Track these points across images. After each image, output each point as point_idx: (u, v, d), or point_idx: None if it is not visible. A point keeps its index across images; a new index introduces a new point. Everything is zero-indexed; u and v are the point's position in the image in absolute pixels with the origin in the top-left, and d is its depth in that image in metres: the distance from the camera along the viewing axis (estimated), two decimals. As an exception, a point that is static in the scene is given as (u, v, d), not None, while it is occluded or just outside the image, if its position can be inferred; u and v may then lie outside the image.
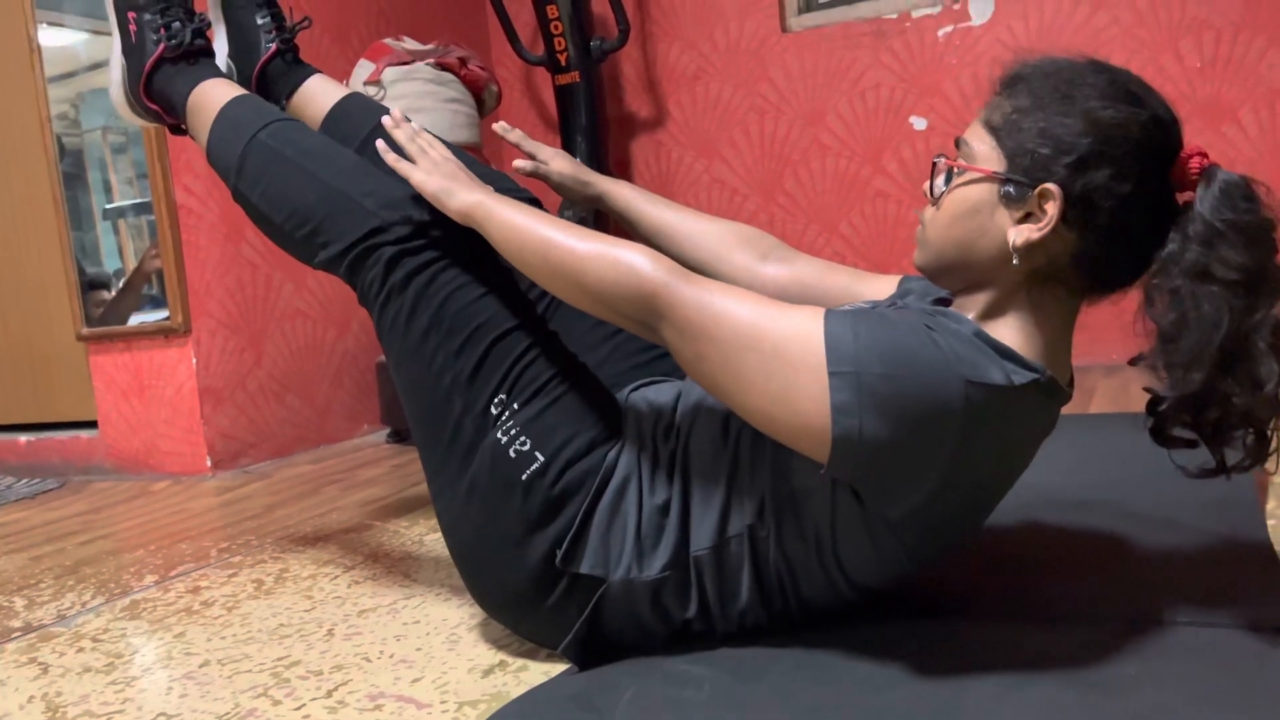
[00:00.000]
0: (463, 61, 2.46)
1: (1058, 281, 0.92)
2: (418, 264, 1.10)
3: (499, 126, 1.34)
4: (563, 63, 3.08)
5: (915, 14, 2.92)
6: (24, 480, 2.66)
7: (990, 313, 0.94)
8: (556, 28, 3.04)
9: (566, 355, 1.09)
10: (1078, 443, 1.74)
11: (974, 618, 1.08)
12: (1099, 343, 2.63)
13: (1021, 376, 0.87)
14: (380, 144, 1.17)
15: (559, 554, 1.01)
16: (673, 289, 0.93)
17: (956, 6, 2.87)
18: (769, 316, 0.91)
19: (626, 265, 0.95)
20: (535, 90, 3.54)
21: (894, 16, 2.95)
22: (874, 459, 0.87)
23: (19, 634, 1.38)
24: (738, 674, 0.97)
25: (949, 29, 2.88)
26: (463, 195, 1.08)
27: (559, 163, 1.33)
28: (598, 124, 3.13)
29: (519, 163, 1.31)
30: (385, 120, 1.20)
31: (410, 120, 1.22)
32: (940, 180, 0.97)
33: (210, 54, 1.45)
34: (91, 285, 2.68)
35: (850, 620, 1.03)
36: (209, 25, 1.47)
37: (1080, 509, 1.39)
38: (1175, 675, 0.89)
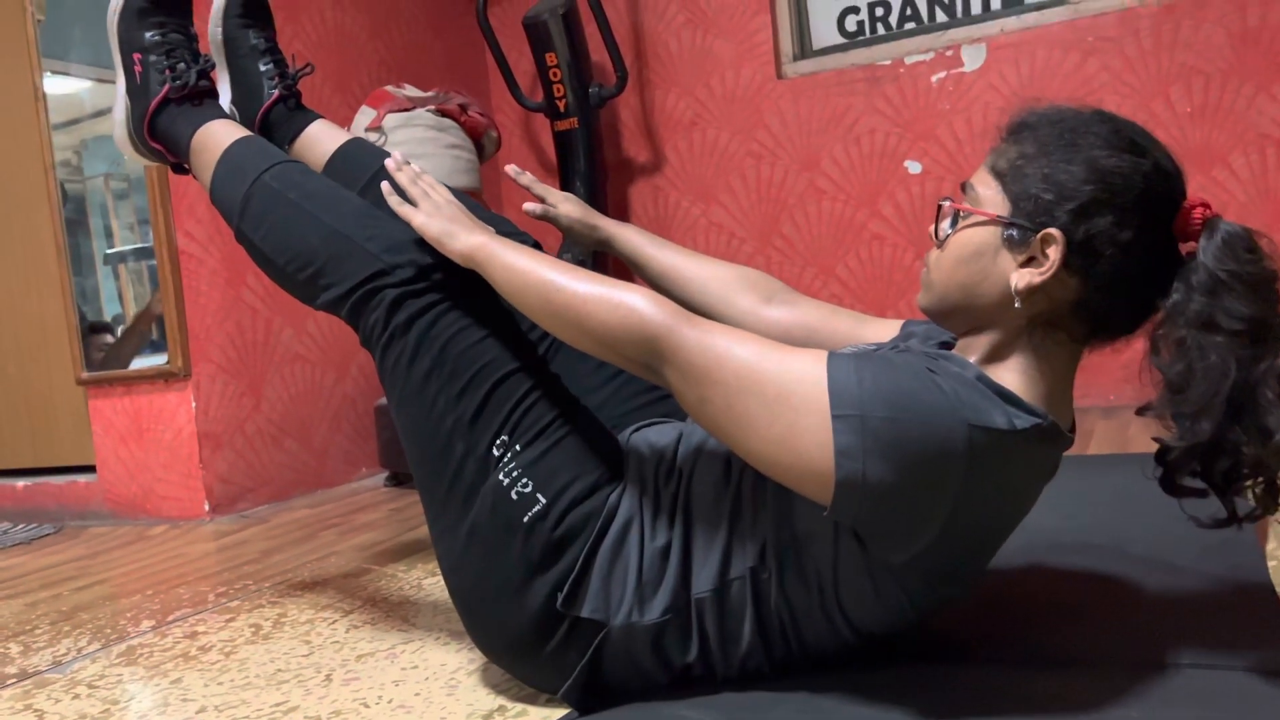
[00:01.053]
0: (463, 108, 2.49)
1: (1059, 327, 0.93)
2: (420, 306, 1.11)
3: (510, 169, 1.35)
4: (561, 109, 3.12)
5: (909, 60, 2.96)
6: (20, 525, 2.65)
7: (993, 356, 0.95)
8: (555, 75, 3.09)
9: (568, 398, 1.10)
10: (1077, 485, 1.74)
11: (976, 661, 1.07)
12: (1097, 384, 2.64)
13: (1024, 421, 0.88)
14: (385, 186, 1.19)
15: (560, 597, 1.00)
16: (675, 332, 0.94)
17: (949, 53, 2.91)
18: (772, 360, 0.91)
19: (629, 308, 0.95)
20: (534, 136, 3.58)
21: (888, 63, 2.99)
22: (878, 503, 0.87)
23: (14, 681, 1.37)
24: (738, 719, 0.96)
25: (942, 75, 2.92)
26: (465, 238, 1.09)
27: (567, 206, 1.34)
28: (596, 169, 3.17)
29: (529, 206, 1.32)
30: (388, 163, 1.22)
31: (412, 164, 1.23)
32: (945, 224, 0.98)
33: (214, 95, 1.46)
34: (93, 329, 2.69)
35: (852, 664, 1.03)
36: (213, 66, 1.48)
37: (1081, 552, 1.39)
38: (1178, 719, 0.89)
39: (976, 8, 2.96)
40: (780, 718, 0.95)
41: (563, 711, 1.05)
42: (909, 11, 3.05)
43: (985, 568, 1.03)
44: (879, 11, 3.09)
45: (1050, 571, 1.34)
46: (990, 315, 0.94)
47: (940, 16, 3.01)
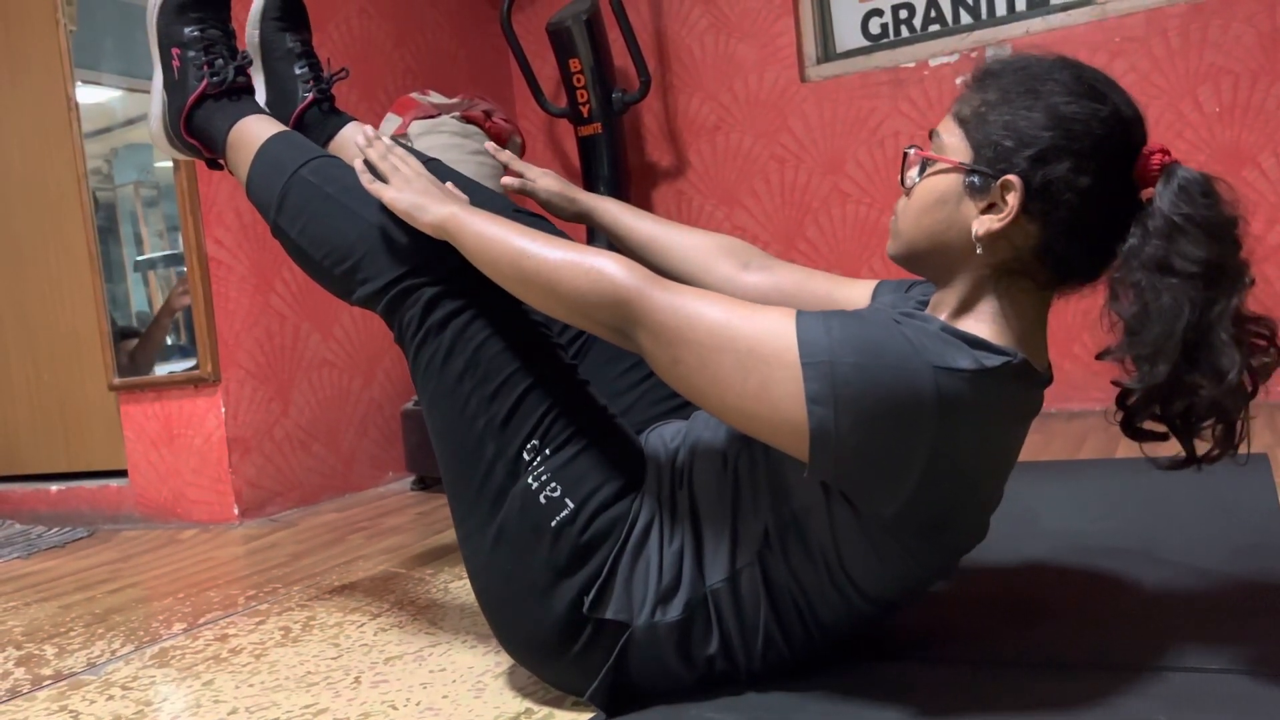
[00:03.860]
0: (487, 114, 2.50)
1: (1024, 274, 0.94)
2: (457, 306, 1.11)
3: (489, 146, 1.37)
4: (585, 114, 3.13)
5: (933, 62, 2.96)
6: (54, 529, 2.69)
7: (962, 309, 0.96)
8: (579, 80, 3.10)
9: (598, 404, 1.11)
10: (1105, 487, 1.73)
11: (1001, 664, 1.07)
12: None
13: (993, 360, 0.89)
14: (358, 164, 1.18)
15: (586, 601, 1.01)
16: (646, 295, 0.94)
17: (974, 55, 2.90)
18: (742, 317, 0.92)
19: (599, 273, 0.96)
20: (558, 141, 3.60)
21: (912, 65, 2.98)
22: (852, 451, 0.87)
23: (50, 682, 1.39)
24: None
25: (967, 77, 2.90)
26: (435, 210, 1.09)
27: (546, 181, 1.35)
28: (619, 174, 3.18)
29: (507, 180, 1.32)
30: (358, 139, 1.21)
31: (382, 138, 1.23)
32: (913, 171, 0.99)
33: (251, 90, 1.46)
34: (124, 334, 2.72)
35: (877, 662, 1.03)
36: (250, 62, 1.47)
37: (1109, 555, 1.38)
38: (1208, 723, 0.89)
39: (1001, 9, 2.95)
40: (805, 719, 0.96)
41: (590, 714, 1.05)
42: (933, 13, 3.04)
43: (985, 521, 1.03)
44: (903, 14, 3.08)
45: (1077, 574, 1.33)
46: (956, 263, 0.96)
47: (964, 18, 3.00)
